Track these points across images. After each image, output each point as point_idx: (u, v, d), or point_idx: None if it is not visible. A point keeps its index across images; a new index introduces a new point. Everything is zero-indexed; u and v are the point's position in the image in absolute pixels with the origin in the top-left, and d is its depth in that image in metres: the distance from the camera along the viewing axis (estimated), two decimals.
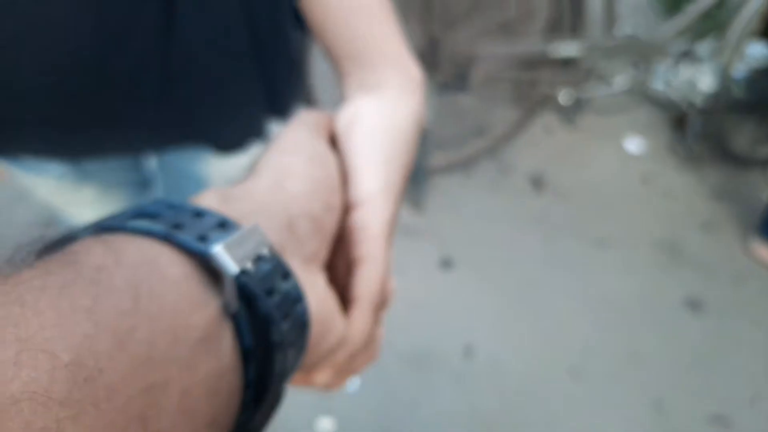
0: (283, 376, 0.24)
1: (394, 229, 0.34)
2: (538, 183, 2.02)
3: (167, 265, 0.20)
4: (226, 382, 0.21)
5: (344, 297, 0.32)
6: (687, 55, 1.91)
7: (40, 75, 0.59)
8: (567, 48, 1.68)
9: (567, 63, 1.72)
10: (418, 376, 1.50)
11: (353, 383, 1.45)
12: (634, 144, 2.20)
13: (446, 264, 1.74)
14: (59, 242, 0.20)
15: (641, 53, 1.82)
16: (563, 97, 1.80)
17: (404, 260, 1.73)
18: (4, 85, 0.59)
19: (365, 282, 0.31)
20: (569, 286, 1.74)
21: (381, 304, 0.33)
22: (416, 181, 1.85)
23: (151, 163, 0.82)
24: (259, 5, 0.62)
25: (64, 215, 0.86)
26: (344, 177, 0.33)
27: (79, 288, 0.17)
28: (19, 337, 0.15)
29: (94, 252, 0.19)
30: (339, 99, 0.42)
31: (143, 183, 0.87)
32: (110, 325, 0.17)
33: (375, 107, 0.38)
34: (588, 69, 1.75)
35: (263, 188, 0.28)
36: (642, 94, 1.95)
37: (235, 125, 0.72)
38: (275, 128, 0.75)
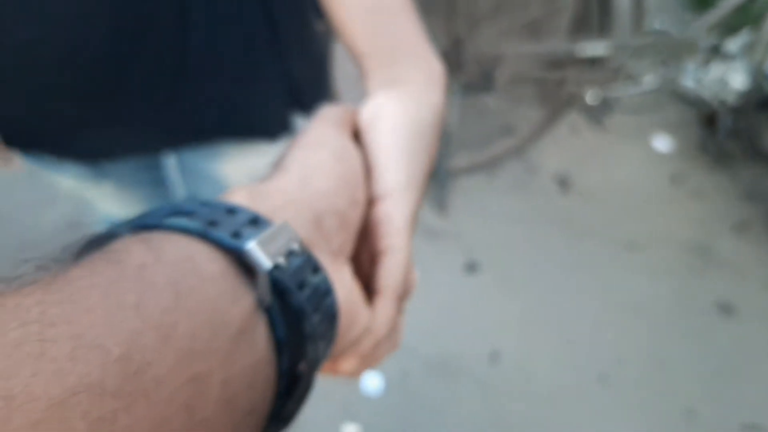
0: (314, 367, 0.25)
1: (416, 220, 0.35)
2: (564, 183, 1.99)
3: (204, 262, 0.21)
4: (261, 373, 0.22)
5: (368, 287, 0.33)
6: (718, 52, 1.86)
7: (59, 76, 0.60)
8: (594, 47, 1.64)
9: (594, 62, 1.69)
10: (443, 382, 1.49)
11: (377, 387, 1.44)
12: (662, 143, 2.16)
13: (471, 268, 1.72)
14: (100, 240, 0.21)
15: (671, 51, 1.77)
16: (590, 97, 1.77)
17: (428, 264, 1.71)
18: (24, 86, 0.61)
19: (389, 273, 0.32)
20: (597, 290, 1.71)
21: (404, 294, 0.34)
22: (439, 182, 1.83)
23: (170, 162, 0.84)
24: None
25: (89, 209, 0.88)
26: (367, 171, 0.34)
27: (125, 286, 0.18)
28: (73, 333, 0.16)
29: (136, 250, 0.20)
30: (359, 94, 0.42)
31: (160, 181, 0.89)
32: (155, 320, 0.18)
33: (397, 102, 0.38)
34: (616, 68, 1.71)
35: (291, 185, 0.29)
36: (671, 93, 1.90)
37: (256, 119, 0.72)
38: (300, 121, 0.76)
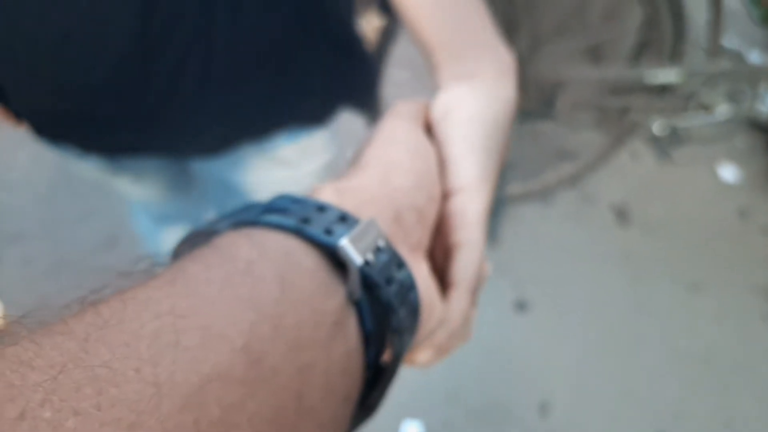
0: (399, 358, 0.26)
1: (489, 213, 0.35)
2: (623, 215, 1.86)
3: (302, 257, 0.22)
4: (353, 363, 0.22)
5: (441, 280, 0.33)
6: None
7: (84, 71, 0.60)
8: (666, 73, 1.52)
9: (664, 89, 1.56)
10: None
11: None
12: (729, 172, 2.01)
13: (521, 306, 1.61)
14: (203, 234, 0.24)
15: (748, 78, 1.63)
16: (658, 127, 1.64)
17: None
18: (51, 80, 0.62)
19: (463, 267, 0.32)
20: (658, 335, 1.58)
21: (476, 287, 0.34)
22: (491, 211, 1.72)
23: (193, 166, 0.85)
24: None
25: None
26: (441, 164, 0.35)
27: (238, 280, 0.20)
28: (201, 324, 0.17)
29: (241, 246, 0.21)
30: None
31: (183, 177, 0.91)
32: (267, 312, 0.19)
33: (470, 96, 0.38)
34: (687, 96, 1.58)
35: (372, 182, 0.30)
36: (745, 121, 1.76)
37: (282, 125, 0.72)
38: (344, 116, 0.77)
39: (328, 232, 0.23)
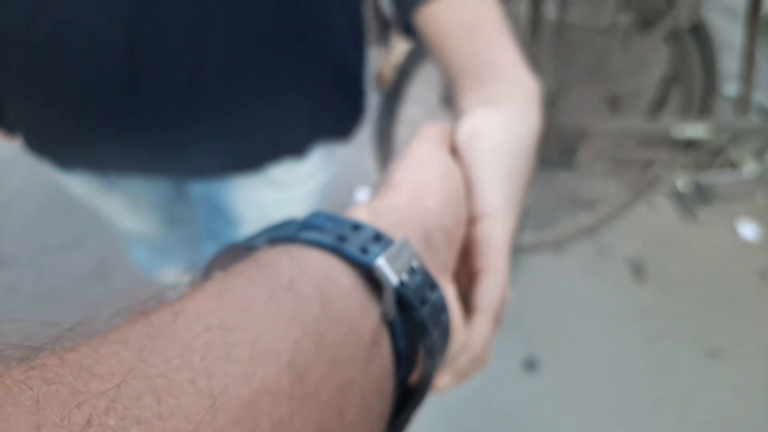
0: (429, 379, 0.25)
1: (513, 239, 0.34)
2: (639, 271, 1.78)
3: (340, 275, 0.22)
4: (386, 382, 0.22)
5: (465, 304, 0.33)
6: None
7: (72, 81, 0.58)
8: (693, 128, 1.44)
9: (690, 144, 1.49)
10: None
11: None
12: (749, 230, 1.93)
13: (531, 365, 1.52)
14: (240, 249, 0.24)
15: None
16: (682, 183, 1.56)
17: None
18: (36, 86, 0.60)
19: (488, 292, 0.32)
20: (675, 405, 1.48)
21: (499, 313, 0.33)
22: None
23: (185, 192, 0.83)
24: (306, 19, 0.60)
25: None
26: (467, 190, 0.34)
27: (281, 297, 0.20)
28: (249, 339, 0.17)
29: (282, 263, 0.21)
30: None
31: (173, 200, 0.87)
32: (310, 329, 0.19)
33: (495, 121, 0.38)
34: (714, 152, 1.51)
35: (403, 202, 0.29)
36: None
37: (268, 151, 0.71)
38: (321, 147, 0.75)
39: (364, 251, 0.23)
